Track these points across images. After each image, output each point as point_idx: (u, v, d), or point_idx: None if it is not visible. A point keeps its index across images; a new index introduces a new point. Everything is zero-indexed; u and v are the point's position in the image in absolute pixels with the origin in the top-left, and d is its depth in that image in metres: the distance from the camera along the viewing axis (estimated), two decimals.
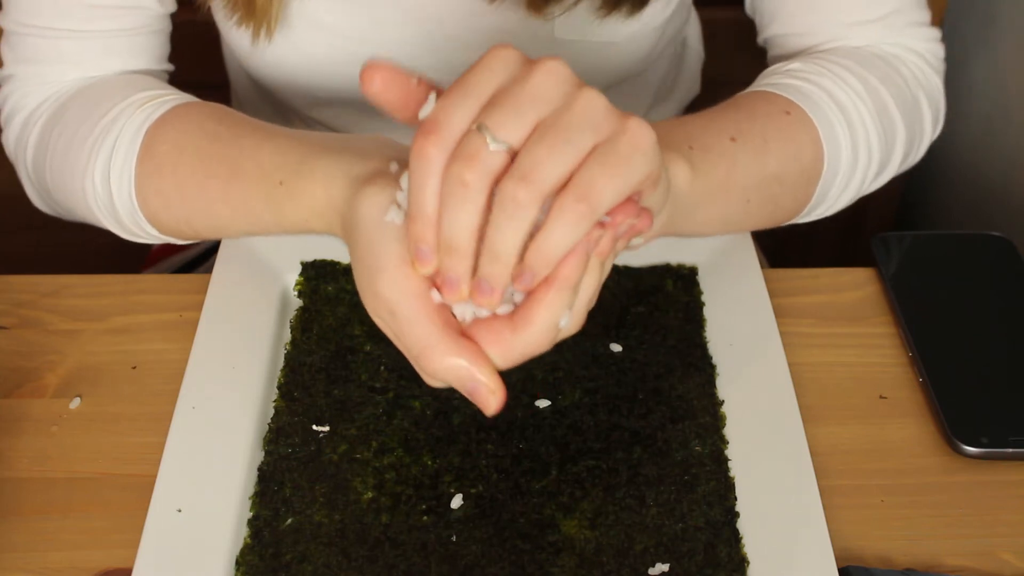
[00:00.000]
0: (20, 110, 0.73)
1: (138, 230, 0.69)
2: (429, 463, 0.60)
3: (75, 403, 0.65)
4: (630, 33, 0.76)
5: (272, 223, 0.62)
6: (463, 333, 0.50)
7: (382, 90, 0.49)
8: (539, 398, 0.63)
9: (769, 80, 0.71)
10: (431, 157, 0.47)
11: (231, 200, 0.63)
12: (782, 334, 0.67)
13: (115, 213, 0.68)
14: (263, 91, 0.86)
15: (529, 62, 0.48)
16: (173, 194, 0.65)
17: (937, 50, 0.76)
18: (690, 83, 0.98)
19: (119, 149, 0.66)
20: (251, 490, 0.59)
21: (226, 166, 0.63)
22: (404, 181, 0.52)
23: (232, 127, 0.64)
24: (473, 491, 0.59)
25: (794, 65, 0.71)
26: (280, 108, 0.86)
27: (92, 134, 0.67)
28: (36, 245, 1.38)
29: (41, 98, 0.72)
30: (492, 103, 0.47)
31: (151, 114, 0.66)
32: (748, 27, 0.81)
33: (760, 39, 0.79)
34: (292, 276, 0.70)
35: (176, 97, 0.68)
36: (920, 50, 0.75)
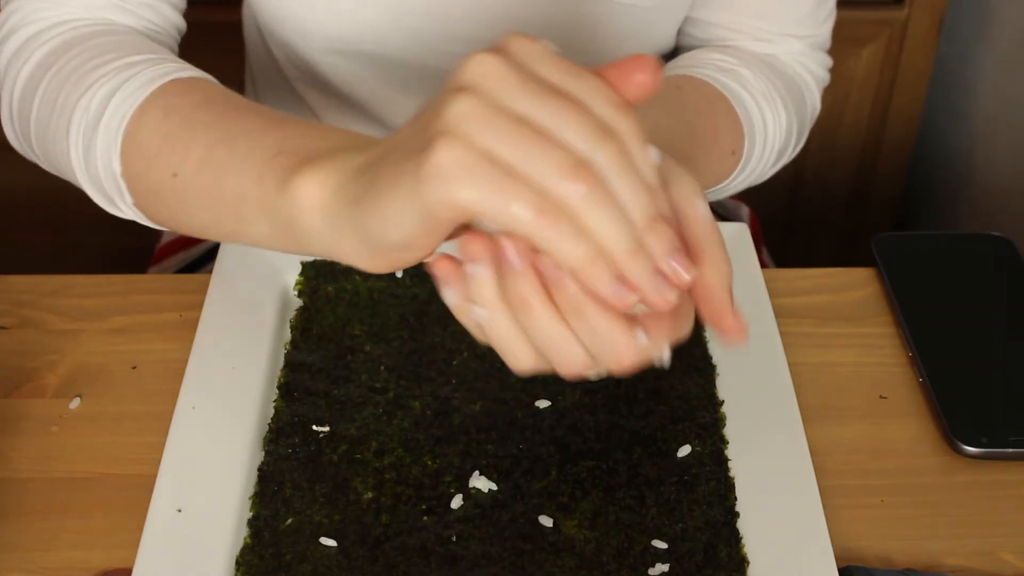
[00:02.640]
0: (23, 26, 0.68)
1: (108, 180, 0.62)
2: (429, 463, 0.60)
3: (75, 403, 0.65)
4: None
5: (255, 217, 0.55)
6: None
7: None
8: (539, 398, 0.63)
9: (719, 78, 0.73)
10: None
11: (214, 164, 0.57)
12: (782, 334, 0.67)
13: (92, 147, 0.62)
14: (274, 58, 0.86)
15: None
16: (159, 141, 0.60)
17: (826, 78, 0.83)
18: None
19: (135, 80, 0.61)
20: (251, 490, 0.59)
21: (225, 128, 0.57)
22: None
23: (249, 107, 0.60)
24: (473, 491, 0.59)
25: (745, 74, 0.75)
26: (291, 74, 0.85)
27: (105, 67, 0.63)
28: (36, 245, 1.38)
29: (50, 23, 0.68)
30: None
31: (178, 72, 0.63)
32: None
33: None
34: (292, 276, 0.71)
35: (200, 72, 0.65)
36: (818, 75, 0.82)
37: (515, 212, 0.42)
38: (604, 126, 0.44)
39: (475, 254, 0.45)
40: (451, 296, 0.47)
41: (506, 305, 0.46)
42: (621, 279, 0.44)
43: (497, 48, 0.45)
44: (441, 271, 0.47)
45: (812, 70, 0.81)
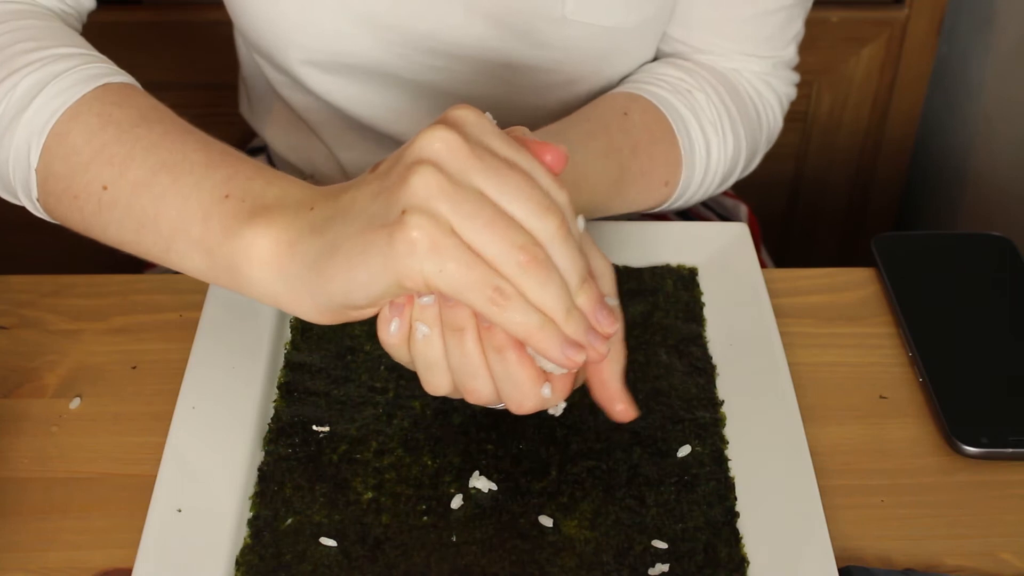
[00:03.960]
0: None
1: (19, 171, 0.60)
2: (429, 463, 0.60)
3: (75, 403, 0.65)
4: (640, 20, 0.76)
5: (190, 252, 0.55)
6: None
7: None
8: None
9: (670, 101, 0.74)
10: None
11: (154, 191, 0.56)
12: (782, 334, 0.67)
13: (7, 135, 0.60)
14: (257, 63, 0.86)
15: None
16: (93, 150, 0.58)
17: (792, 93, 0.84)
18: None
19: (67, 77, 0.60)
20: (251, 490, 0.59)
21: (168, 153, 0.57)
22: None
23: (189, 132, 0.59)
24: (473, 491, 0.59)
25: (699, 98, 0.76)
26: (273, 78, 0.85)
27: (32, 54, 0.60)
28: (36, 245, 1.38)
29: None
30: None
31: (110, 76, 0.61)
32: None
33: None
34: None
35: (127, 76, 0.63)
36: (782, 93, 0.82)
37: (473, 298, 0.48)
38: (549, 199, 0.49)
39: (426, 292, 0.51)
40: (394, 326, 0.52)
41: (443, 327, 0.51)
42: (569, 343, 0.49)
43: (448, 121, 0.50)
44: (395, 303, 0.52)
45: (776, 88, 0.81)
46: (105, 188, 0.57)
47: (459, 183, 0.48)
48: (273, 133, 0.92)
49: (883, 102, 1.33)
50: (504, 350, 0.51)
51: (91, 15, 0.74)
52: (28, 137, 0.59)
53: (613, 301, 0.54)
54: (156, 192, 0.56)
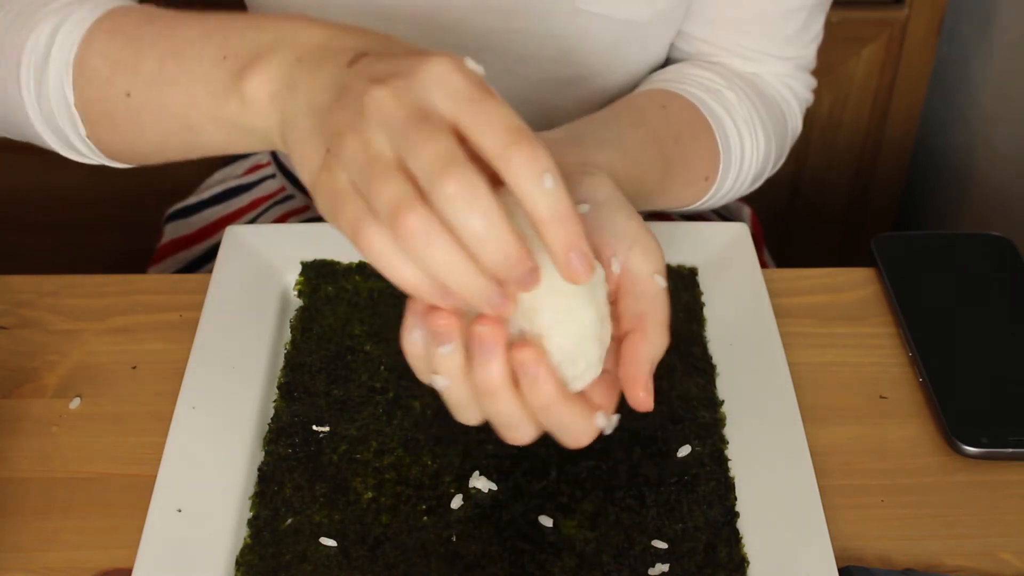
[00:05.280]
0: None
1: (62, 113, 0.62)
2: (429, 463, 0.60)
3: (75, 403, 0.65)
4: (653, 13, 0.76)
5: (207, 125, 0.56)
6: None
7: None
8: None
9: (704, 99, 0.74)
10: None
11: (163, 79, 0.58)
12: (782, 334, 0.67)
13: (43, 83, 0.61)
14: None
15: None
16: (109, 64, 0.60)
17: (810, 99, 0.84)
18: None
19: (80, 10, 0.62)
20: (251, 490, 0.59)
21: (170, 40, 0.58)
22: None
23: (190, 15, 0.59)
24: (473, 491, 0.59)
25: (730, 96, 0.75)
26: None
27: (49, 6, 0.62)
28: (36, 245, 1.38)
29: None
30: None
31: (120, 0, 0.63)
32: None
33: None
34: (292, 276, 0.71)
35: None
36: (802, 97, 0.82)
37: (341, 227, 0.45)
38: (451, 157, 0.43)
39: (446, 335, 0.46)
40: (417, 335, 0.48)
41: (469, 383, 0.47)
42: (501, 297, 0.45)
43: (414, 75, 0.45)
44: (414, 308, 0.48)
45: (796, 91, 0.81)
46: (128, 95, 0.59)
47: (376, 153, 0.45)
48: None
49: (883, 102, 1.33)
50: (552, 406, 0.47)
51: None
52: (60, 78, 0.61)
53: (662, 281, 0.51)
54: (167, 78, 0.57)
